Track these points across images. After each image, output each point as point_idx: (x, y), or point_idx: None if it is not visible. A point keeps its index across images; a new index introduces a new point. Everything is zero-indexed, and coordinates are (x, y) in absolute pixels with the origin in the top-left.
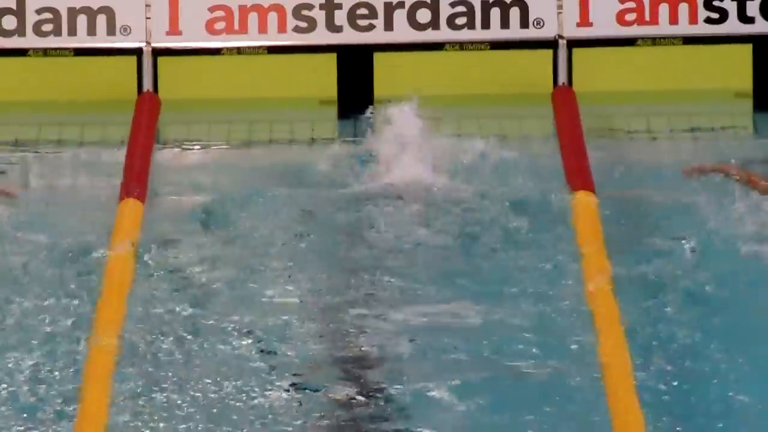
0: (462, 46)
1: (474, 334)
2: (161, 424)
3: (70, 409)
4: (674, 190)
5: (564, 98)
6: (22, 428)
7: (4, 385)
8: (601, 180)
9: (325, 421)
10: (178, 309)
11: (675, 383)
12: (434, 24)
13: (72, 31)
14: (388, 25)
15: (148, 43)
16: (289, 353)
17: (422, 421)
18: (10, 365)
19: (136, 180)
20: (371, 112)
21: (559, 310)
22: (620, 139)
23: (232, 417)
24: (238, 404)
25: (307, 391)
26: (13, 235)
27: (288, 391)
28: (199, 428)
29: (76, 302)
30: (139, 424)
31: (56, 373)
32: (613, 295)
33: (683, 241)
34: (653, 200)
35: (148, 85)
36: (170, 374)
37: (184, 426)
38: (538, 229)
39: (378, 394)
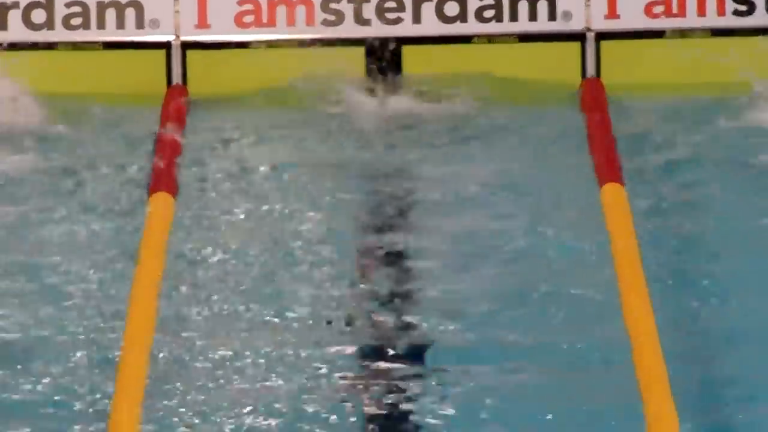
0: (490, 39)
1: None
2: None
3: None
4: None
5: (592, 90)
6: None
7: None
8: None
9: None
10: None
11: (708, 376)
12: (462, 17)
13: (101, 25)
14: (416, 19)
15: (177, 36)
16: None
17: None
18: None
19: (166, 173)
20: None
21: (589, 301)
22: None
23: None
24: None
25: None
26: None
27: None
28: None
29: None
30: None
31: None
32: (645, 286)
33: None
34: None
35: (176, 78)
36: None
37: None
38: (566, 221)
39: None
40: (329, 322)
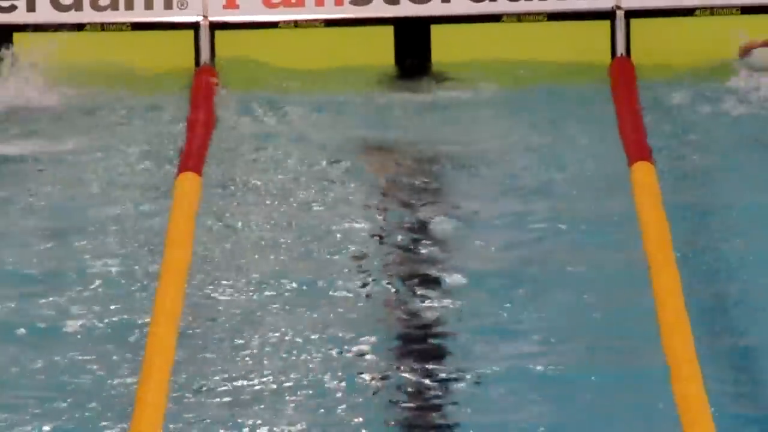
0: (519, 17)
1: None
2: None
3: None
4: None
5: (622, 69)
6: None
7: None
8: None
9: None
10: None
11: (738, 357)
12: None
13: (129, 5)
14: None
15: (205, 16)
16: None
17: None
18: None
19: (195, 154)
20: None
21: (620, 280)
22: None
23: None
24: None
25: None
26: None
27: None
28: None
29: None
30: None
31: None
32: (675, 265)
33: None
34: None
35: (205, 58)
36: None
37: None
38: (598, 199)
39: None
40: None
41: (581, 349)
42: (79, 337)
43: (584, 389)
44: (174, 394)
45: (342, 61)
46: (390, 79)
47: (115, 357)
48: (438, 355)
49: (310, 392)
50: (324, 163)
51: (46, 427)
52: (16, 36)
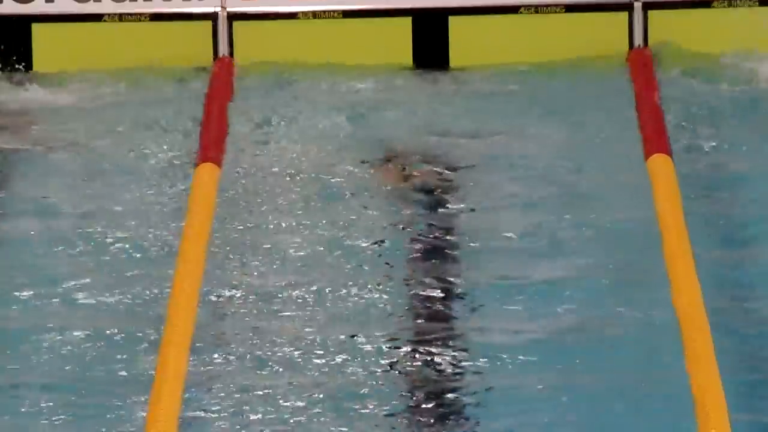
0: (537, 9)
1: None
2: None
3: None
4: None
5: (640, 61)
6: None
7: None
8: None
9: None
10: None
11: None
12: None
13: None
14: None
15: (224, 7)
16: None
17: None
18: None
19: (213, 145)
20: None
21: (639, 271)
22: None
23: None
24: None
25: None
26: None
27: None
28: None
29: None
30: None
31: None
32: (691, 256)
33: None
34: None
35: (223, 50)
36: None
37: None
38: (613, 191)
39: None
40: None
41: None
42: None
43: None
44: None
45: (360, 54)
46: (407, 71)
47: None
48: None
49: None
50: (340, 156)
51: None
52: (35, 27)
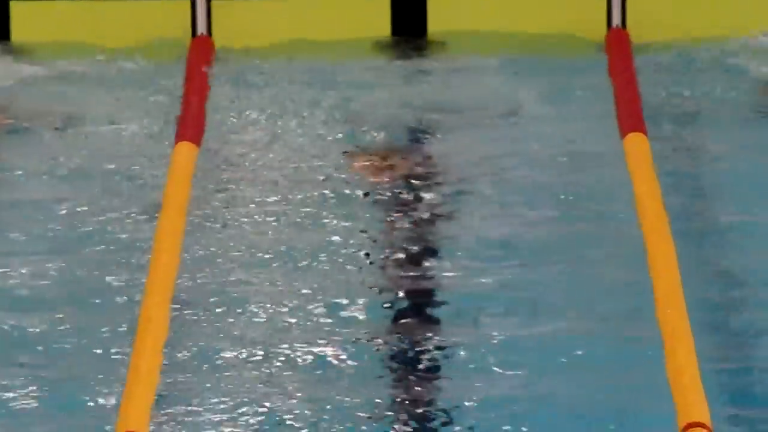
0: None
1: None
2: None
3: None
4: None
5: (617, 41)
6: None
7: None
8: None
9: None
10: None
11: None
12: None
13: None
14: None
15: None
16: None
17: None
18: None
19: (191, 124)
20: None
21: (614, 254)
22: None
23: None
24: None
25: None
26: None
27: None
28: None
29: None
30: None
31: None
32: (669, 236)
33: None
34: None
35: (202, 28)
36: None
37: None
38: (590, 171)
39: None
40: None
41: None
42: None
43: None
44: None
45: (338, 31)
46: (386, 47)
47: None
48: None
49: None
50: (320, 134)
51: None
52: (13, 5)
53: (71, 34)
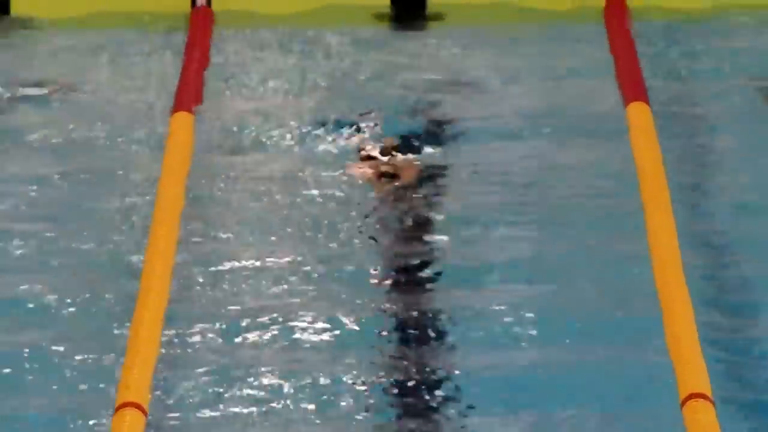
0: None
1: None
2: None
3: None
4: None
5: (616, 10)
6: None
7: None
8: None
9: None
10: None
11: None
12: None
13: None
14: None
15: None
16: None
17: None
18: None
19: (189, 94)
20: None
21: (615, 224)
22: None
23: None
24: None
25: None
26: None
27: None
28: None
29: None
30: None
31: None
32: (669, 206)
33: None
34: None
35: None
36: None
37: None
38: (592, 140)
39: None
40: None
41: None
42: None
43: None
44: None
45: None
46: (385, 18)
47: None
48: None
49: None
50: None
51: None
52: None
53: (71, 7)
